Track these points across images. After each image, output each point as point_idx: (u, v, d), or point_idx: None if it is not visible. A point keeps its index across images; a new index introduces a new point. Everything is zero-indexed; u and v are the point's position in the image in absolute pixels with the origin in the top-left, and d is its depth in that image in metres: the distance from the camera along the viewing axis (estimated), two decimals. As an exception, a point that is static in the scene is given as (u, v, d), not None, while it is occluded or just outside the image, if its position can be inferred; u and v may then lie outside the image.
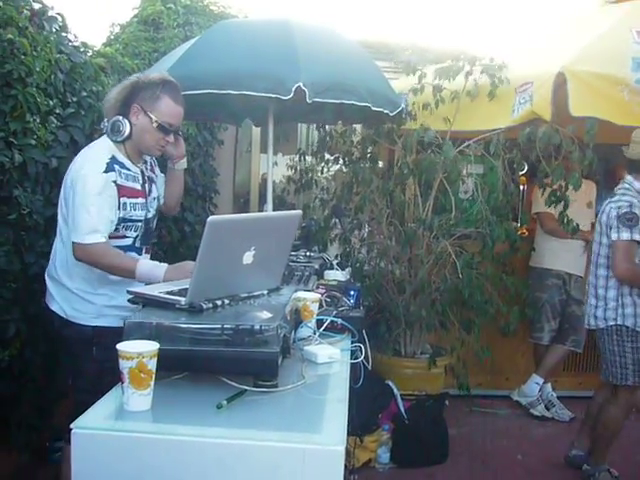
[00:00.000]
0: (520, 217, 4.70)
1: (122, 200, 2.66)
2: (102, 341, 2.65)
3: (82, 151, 2.72)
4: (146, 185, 2.84)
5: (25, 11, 3.00)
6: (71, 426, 1.60)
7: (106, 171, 2.61)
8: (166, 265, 2.61)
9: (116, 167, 2.66)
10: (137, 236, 2.79)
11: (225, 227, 2.03)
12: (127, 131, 2.67)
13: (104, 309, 2.71)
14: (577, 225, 4.39)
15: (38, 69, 2.91)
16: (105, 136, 2.72)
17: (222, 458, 1.60)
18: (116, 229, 2.67)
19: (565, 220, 4.22)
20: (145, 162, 2.89)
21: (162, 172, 3.09)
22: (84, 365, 2.68)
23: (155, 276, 2.53)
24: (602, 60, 3.57)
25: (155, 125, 2.68)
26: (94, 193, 2.55)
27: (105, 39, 5.53)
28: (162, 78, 2.72)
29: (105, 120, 2.74)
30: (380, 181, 4.67)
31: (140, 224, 2.79)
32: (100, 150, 2.67)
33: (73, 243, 2.57)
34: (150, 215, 2.86)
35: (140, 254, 2.82)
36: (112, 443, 1.61)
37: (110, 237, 2.66)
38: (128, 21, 5.71)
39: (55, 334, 2.78)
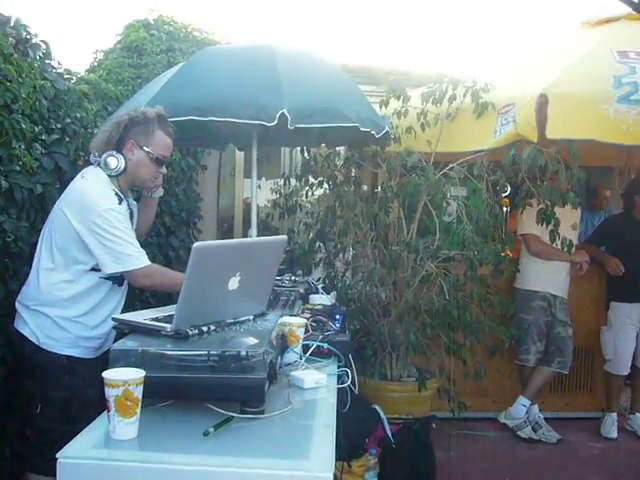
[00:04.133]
0: (504, 238, 4.72)
1: None
2: (74, 370, 2.70)
3: (84, 185, 2.71)
4: (129, 218, 2.86)
5: (10, 38, 3.01)
6: (57, 456, 1.58)
7: (119, 203, 2.69)
8: None
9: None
10: None
11: (210, 253, 2.03)
12: (123, 166, 2.73)
13: (79, 340, 2.73)
14: (571, 241, 4.43)
15: (24, 95, 2.92)
16: (98, 170, 2.74)
17: (210, 486, 1.59)
18: None
19: (557, 238, 4.24)
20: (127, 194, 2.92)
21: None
22: (53, 392, 2.68)
23: None
24: (585, 80, 3.62)
25: (152, 159, 2.77)
26: (122, 224, 2.64)
27: (88, 66, 5.54)
28: (157, 113, 2.80)
29: (95, 154, 2.77)
30: (364, 204, 4.68)
31: None
32: (104, 184, 2.71)
33: (128, 273, 2.66)
34: None
35: (121, 285, 2.85)
36: (99, 472, 1.59)
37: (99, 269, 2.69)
38: (111, 47, 5.73)
39: (25, 359, 2.75)
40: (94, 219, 2.59)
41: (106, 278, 2.74)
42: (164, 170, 2.90)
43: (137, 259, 2.63)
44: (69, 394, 2.66)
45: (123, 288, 2.87)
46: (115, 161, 2.72)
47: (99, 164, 2.74)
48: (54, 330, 2.69)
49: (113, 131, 2.76)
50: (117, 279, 2.78)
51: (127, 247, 2.62)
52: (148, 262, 2.67)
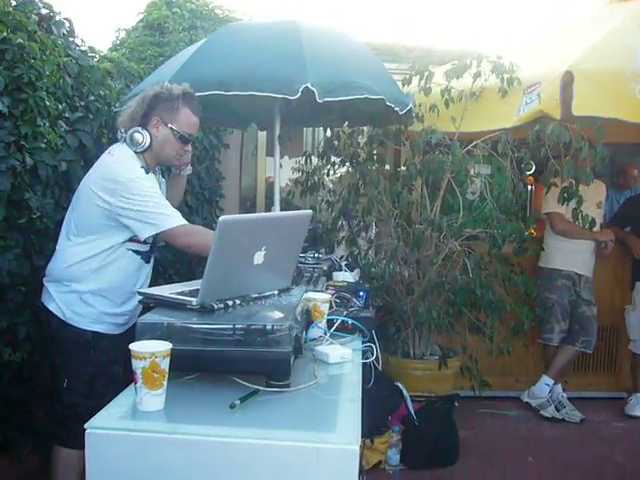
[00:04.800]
0: (528, 217, 4.68)
1: None
2: (99, 345, 2.71)
3: (108, 162, 2.70)
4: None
5: (33, 16, 3.01)
6: (85, 426, 1.59)
7: (147, 173, 2.68)
8: None
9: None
10: (151, 243, 2.81)
11: (236, 227, 2.03)
12: (148, 142, 2.71)
13: (103, 316, 2.74)
14: (593, 219, 4.38)
15: (47, 73, 2.93)
16: (124, 146, 2.74)
17: (236, 457, 1.59)
18: None
19: (580, 216, 4.21)
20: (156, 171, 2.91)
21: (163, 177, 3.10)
22: (79, 368, 2.70)
23: None
24: (611, 57, 3.56)
25: (177, 136, 2.75)
26: (152, 190, 2.63)
27: (111, 44, 5.55)
28: (182, 90, 2.77)
29: (122, 130, 2.76)
30: (387, 182, 4.66)
31: None
32: (130, 159, 2.70)
33: (165, 233, 2.61)
34: None
35: (149, 262, 2.86)
36: (126, 443, 1.60)
37: (132, 240, 2.70)
38: (134, 26, 5.74)
39: (52, 334, 2.76)
40: (122, 191, 2.58)
41: (135, 252, 2.74)
42: (189, 148, 2.87)
43: (172, 217, 2.61)
44: (95, 369, 2.68)
45: (149, 266, 2.87)
46: (140, 137, 2.70)
47: (125, 140, 2.73)
48: (79, 306, 2.70)
49: (138, 107, 2.75)
50: (145, 255, 2.79)
51: (160, 208, 2.61)
52: (184, 222, 2.64)
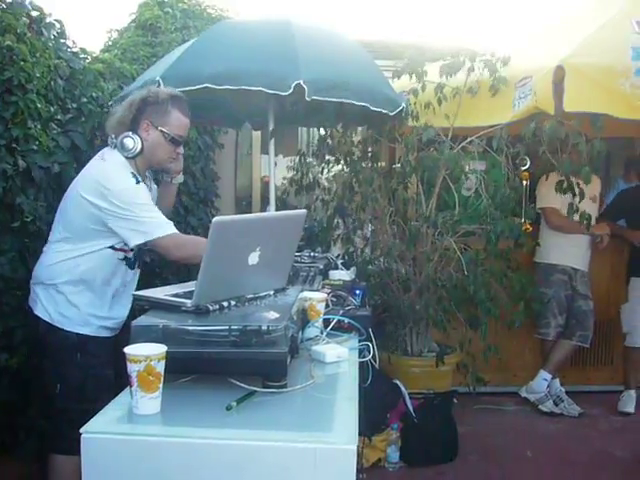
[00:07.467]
0: (525, 212, 4.66)
1: None
2: (86, 348, 2.69)
3: (99, 167, 2.69)
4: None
5: (23, 18, 2.99)
6: (80, 431, 1.58)
7: (137, 183, 2.67)
8: None
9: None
10: (136, 251, 2.80)
11: (230, 227, 2.02)
12: (139, 147, 2.70)
13: (90, 318, 2.73)
14: (589, 215, 4.37)
15: (38, 75, 2.91)
16: (115, 152, 2.72)
17: (233, 459, 1.59)
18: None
19: (576, 211, 4.19)
20: (146, 177, 2.90)
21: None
22: (68, 372, 2.69)
23: None
24: (602, 51, 3.54)
25: (168, 138, 2.75)
26: (142, 199, 2.63)
27: (103, 45, 5.53)
28: (170, 93, 2.78)
29: (112, 136, 2.74)
30: (382, 180, 4.65)
31: None
32: (121, 166, 2.69)
33: (153, 242, 2.60)
34: None
35: (133, 268, 2.84)
36: (122, 447, 1.59)
37: (118, 249, 2.71)
38: (126, 26, 5.71)
39: (39, 339, 2.75)
40: (112, 197, 2.56)
41: (120, 258, 2.74)
42: (181, 150, 2.87)
43: (160, 226, 2.60)
44: (84, 373, 2.66)
45: (134, 271, 2.87)
46: (131, 142, 2.69)
47: (116, 146, 2.72)
48: (66, 307, 2.69)
49: (126, 111, 2.74)
50: (129, 261, 2.78)
51: (151, 216, 2.60)
52: (174, 230, 2.63)
